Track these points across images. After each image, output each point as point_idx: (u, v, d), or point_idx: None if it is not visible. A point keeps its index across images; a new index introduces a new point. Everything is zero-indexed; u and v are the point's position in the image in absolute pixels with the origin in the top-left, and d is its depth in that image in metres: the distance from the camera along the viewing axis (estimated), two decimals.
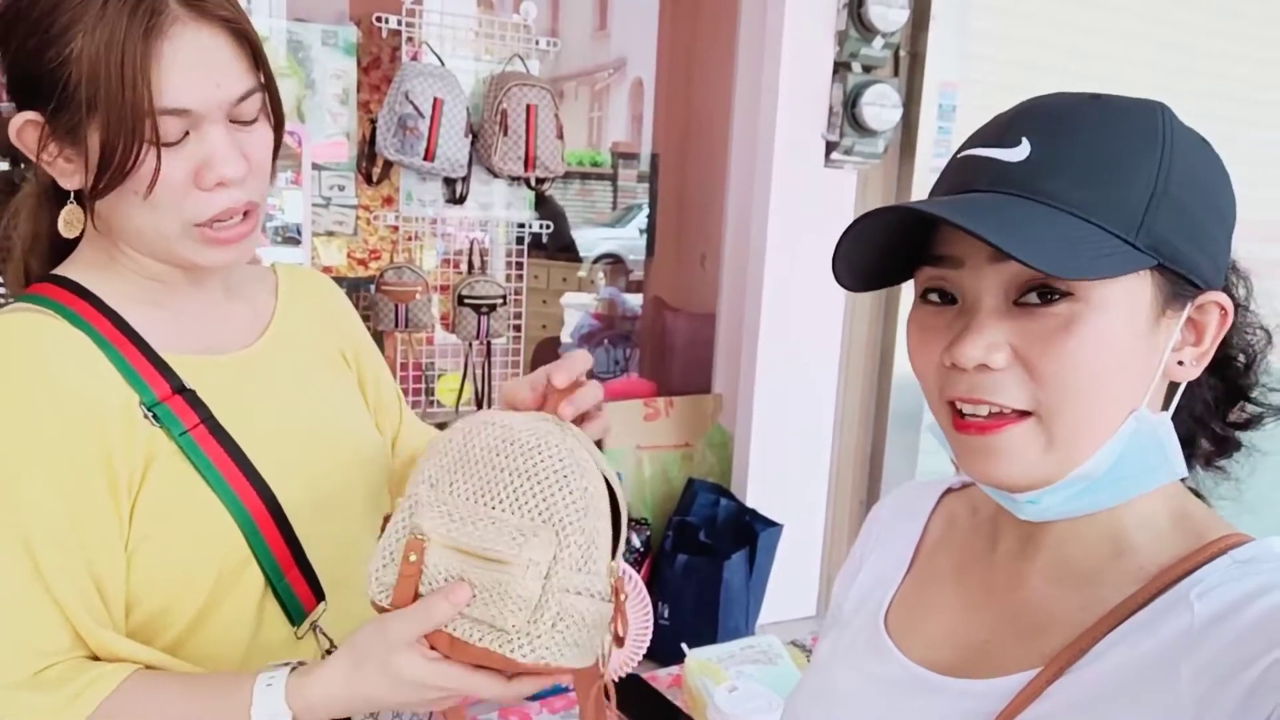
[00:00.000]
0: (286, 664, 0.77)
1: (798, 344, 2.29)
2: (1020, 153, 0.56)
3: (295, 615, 0.88)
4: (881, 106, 2.13)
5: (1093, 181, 0.54)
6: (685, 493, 2.34)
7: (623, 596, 0.73)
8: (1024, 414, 0.55)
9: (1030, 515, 0.60)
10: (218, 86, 0.76)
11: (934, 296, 0.60)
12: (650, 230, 3.34)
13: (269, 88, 0.82)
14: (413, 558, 0.70)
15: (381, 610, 0.74)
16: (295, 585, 0.87)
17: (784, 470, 2.34)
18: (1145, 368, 0.56)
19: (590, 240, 6.57)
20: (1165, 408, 0.58)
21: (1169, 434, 0.57)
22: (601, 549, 0.71)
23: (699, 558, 2.12)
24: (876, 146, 2.20)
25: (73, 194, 0.80)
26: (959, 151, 0.61)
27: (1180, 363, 0.57)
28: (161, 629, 0.82)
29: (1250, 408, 0.63)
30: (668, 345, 3.12)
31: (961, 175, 0.58)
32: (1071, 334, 0.54)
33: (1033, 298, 0.55)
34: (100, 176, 0.75)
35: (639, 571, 2.15)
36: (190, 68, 0.74)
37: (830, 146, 2.20)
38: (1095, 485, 0.57)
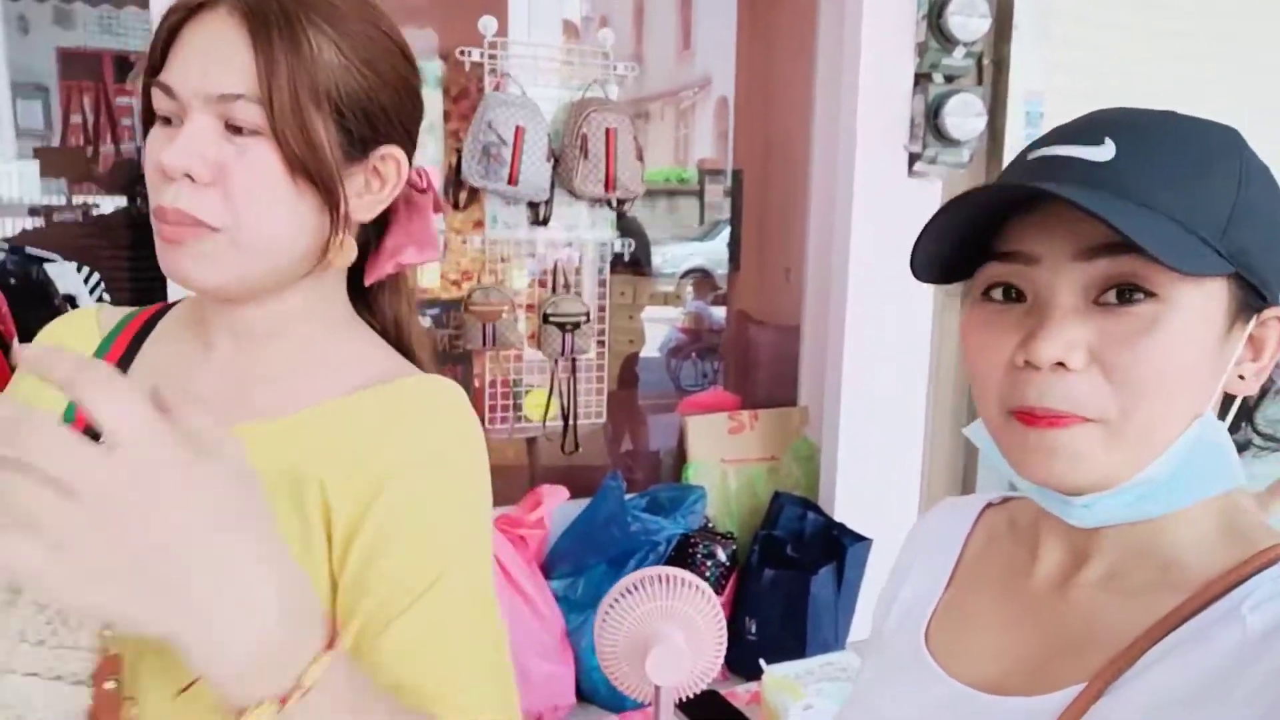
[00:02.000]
0: None
1: (885, 354, 2.27)
2: (1105, 152, 0.54)
3: None
4: (965, 116, 2.11)
5: (1179, 184, 0.53)
6: (771, 506, 2.33)
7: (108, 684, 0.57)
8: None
9: (1080, 520, 0.58)
10: (204, 75, 0.68)
11: (997, 294, 0.58)
12: (734, 244, 3.36)
13: (274, 106, 0.68)
14: None
15: None
16: None
17: (873, 483, 2.32)
18: (1212, 376, 0.55)
19: (678, 255, 6.60)
20: (1221, 419, 0.57)
21: (1229, 441, 0.56)
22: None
23: (785, 572, 2.11)
24: (961, 156, 2.17)
25: None
26: (1030, 150, 0.59)
27: (1241, 377, 0.56)
28: None
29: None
30: (752, 358, 3.12)
31: (1038, 174, 0.56)
32: (1152, 335, 0.52)
33: (1111, 297, 0.53)
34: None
35: (724, 586, 2.16)
36: (190, 51, 0.69)
37: (913, 158, 2.19)
38: (1153, 491, 0.56)
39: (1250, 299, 0.55)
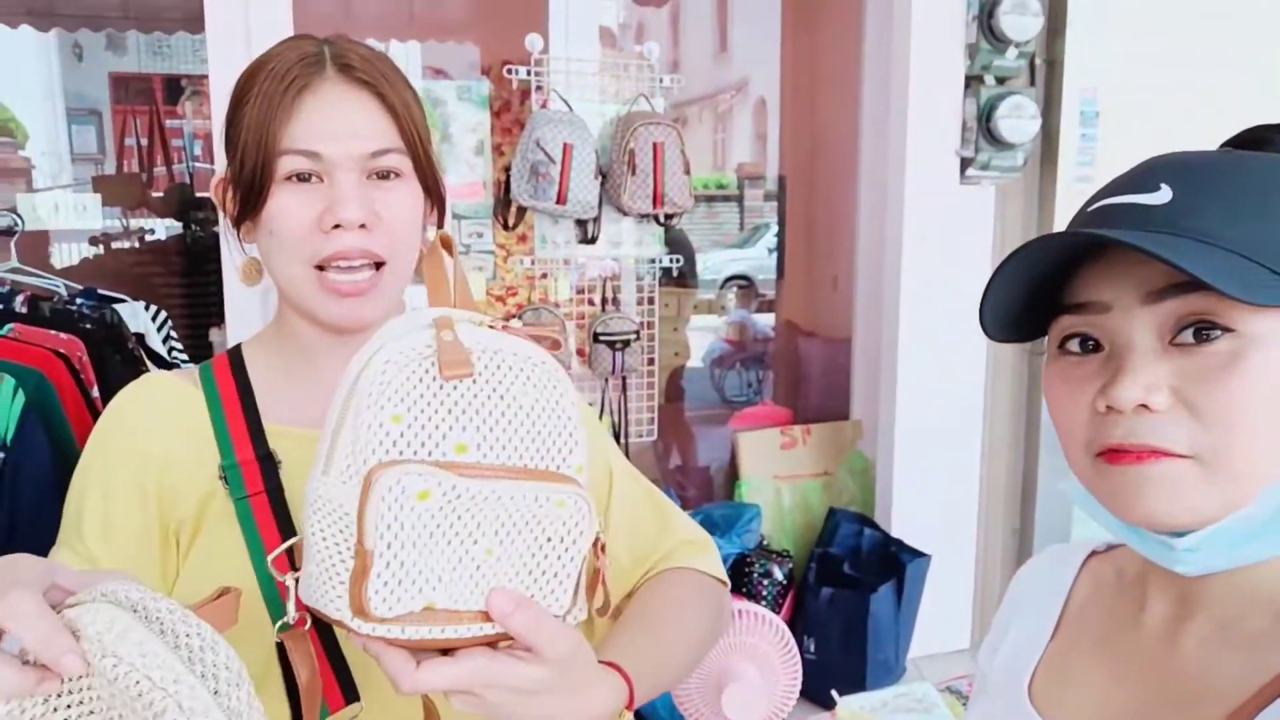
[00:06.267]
0: None
1: (939, 365, 2.22)
2: (1161, 196, 0.55)
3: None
4: (1018, 118, 2.06)
5: (1242, 219, 0.53)
6: (827, 523, 2.30)
7: None
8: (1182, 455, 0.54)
9: (1185, 566, 0.56)
10: (353, 136, 0.80)
11: (1074, 345, 0.59)
12: (779, 252, 3.32)
13: (415, 151, 0.83)
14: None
15: None
16: (322, 680, 0.78)
17: (930, 498, 2.27)
18: None
19: (717, 263, 6.56)
20: None
21: None
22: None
23: (844, 590, 2.07)
24: (1015, 159, 2.12)
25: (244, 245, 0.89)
26: (1090, 204, 0.60)
27: None
28: None
29: None
30: (802, 370, 3.08)
31: (1096, 224, 0.57)
32: (1234, 371, 0.52)
33: (1188, 336, 0.53)
34: (241, 211, 0.82)
35: (782, 605, 2.12)
36: (326, 117, 0.80)
37: (965, 163, 2.14)
38: (1258, 530, 0.53)
39: None
